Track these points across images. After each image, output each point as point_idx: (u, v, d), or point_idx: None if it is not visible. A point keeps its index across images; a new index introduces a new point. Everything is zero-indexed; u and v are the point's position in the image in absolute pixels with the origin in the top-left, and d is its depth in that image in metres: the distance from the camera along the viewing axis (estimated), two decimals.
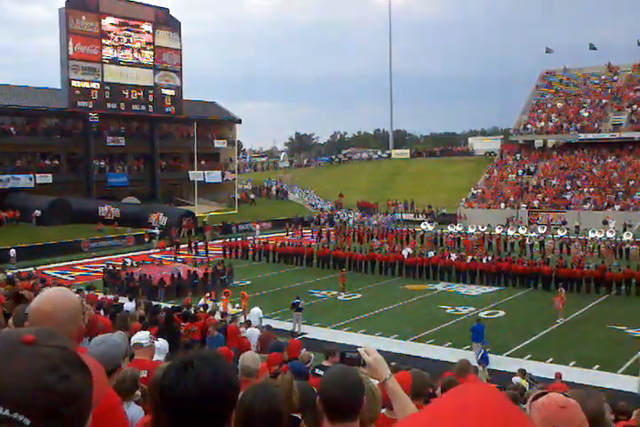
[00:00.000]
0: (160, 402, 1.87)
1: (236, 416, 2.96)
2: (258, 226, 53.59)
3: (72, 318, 2.52)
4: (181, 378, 1.83)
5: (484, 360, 17.51)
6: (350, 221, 58.81)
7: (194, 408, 1.80)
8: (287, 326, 23.89)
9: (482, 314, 25.55)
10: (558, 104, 69.96)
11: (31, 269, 31.28)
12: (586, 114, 66.26)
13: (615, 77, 70.73)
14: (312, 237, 49.57)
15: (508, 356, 20.25)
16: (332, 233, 49.54)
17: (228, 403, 1.87)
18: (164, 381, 1.88)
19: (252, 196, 68.05)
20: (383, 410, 4.25)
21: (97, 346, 3.69)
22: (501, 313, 26.49)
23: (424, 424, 0.76)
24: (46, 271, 34.32)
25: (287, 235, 50.70)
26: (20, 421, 0.86)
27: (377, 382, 3.29)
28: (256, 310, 22.05)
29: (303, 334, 23.17)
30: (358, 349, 2.88)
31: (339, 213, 63.57)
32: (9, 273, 23.81)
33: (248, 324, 18.48)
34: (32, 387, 0.89)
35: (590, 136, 63.23)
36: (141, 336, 6.01)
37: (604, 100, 67.27)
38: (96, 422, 2.32)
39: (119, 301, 20.13)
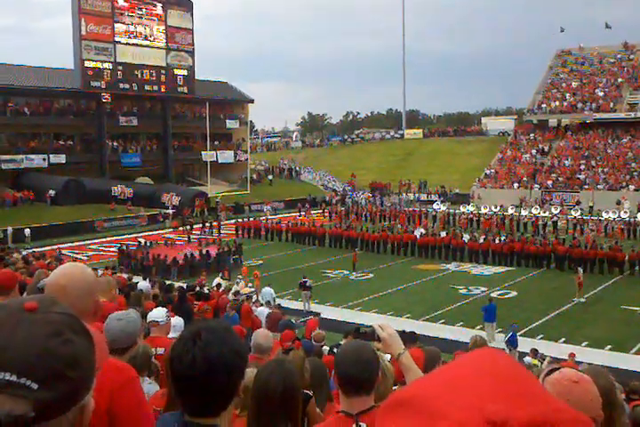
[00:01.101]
0: (170, 374, 1.89)
1: (252, 392, 3.00)
2: (268, 206, 53.65)
3: (88, 292, 2.55)
4: (190, 350, 1.84)
5: (512, 343, 17.36)
6: (363, 202, 58.73)
7: (202, 379, 1.82)
8: (299, 305, 24.02)
9: (494, 294, 25.55)
10: (573, 83, 69.22)
11: (55, 248, 31.57)
12: (601, 93, 65.57)
13: (631, 56, 69.81)
14: (324, 217, 49.54)
15: (520, 336, 20.24)
16: (344, 213, 49.54)
17: (236, 374, 1.88)
18: (172, 352, 1.90)
19: (270, 177, 67.90)
20: (395, 387, 4.29)
21: (116, 321, 3.74)
22: (514, 293, 26.48)
23: (438, 384, 0.76)
24: (63, 251, 34.56)
25: (300, 215, 50.71)
26: (28, 385, 0.88)
27: (389, 358, 3.32)
28: (268, 290, 22.14)
29: (314, 313, 23.26)
30: (373, 324, 2.90)
31: (351, 193, 63.48)
32: (24, 252, 24.08)
33: (260, 303, 18.59)
34: (37, 352, 0.90)
35: (605, 116, 62.58)
36: (158, 314, 6.02)
37: (619, 80, 66.51)
38: (116, 395, 2.38)
39: (133, 280, 20.27)
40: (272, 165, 74.71)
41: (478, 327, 20.63)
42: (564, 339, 19.91)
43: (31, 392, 0.88)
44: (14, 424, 0.87)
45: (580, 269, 26.37)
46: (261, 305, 18.14)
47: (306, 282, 24.27)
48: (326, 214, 50.35)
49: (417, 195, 61.40)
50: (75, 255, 33.89)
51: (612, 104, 63.40)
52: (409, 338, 9.45)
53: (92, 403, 1.01)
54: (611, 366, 15.56)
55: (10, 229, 38.27)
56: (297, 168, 73.48)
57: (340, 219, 47.19)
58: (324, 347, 9.61)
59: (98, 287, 2.70)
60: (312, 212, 52.50)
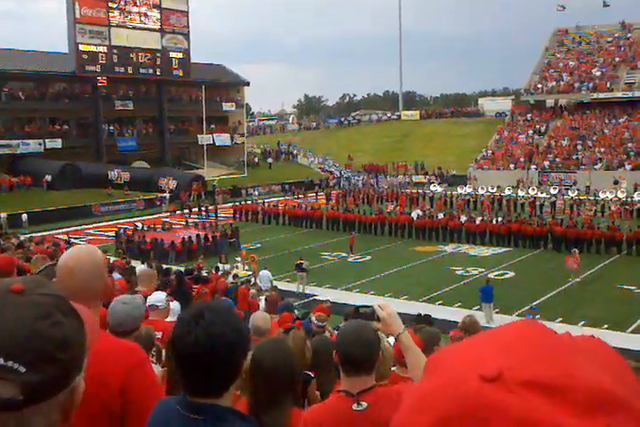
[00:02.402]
0: (172, 355, 1.89)
1: (247, 371, 3.01)
2: (257, 191, 53.37)
3: (97, 275, 2.56)
4: (192, 329, 1.84)
5: None
6: (360, 184, 58.66)
7: (205, 359, 1.82)
8: (296, 287, 24.12)
9: (491, 275, 25.61)
10: (570, 63, 68.93)
11: (63, 231, 31.53)
12: (598, 73, 65.33)
13: (629, 35, 69.45)
14: (317, 200, 49.29)
15: (517, 316, 20.37)
16: (341, 195, 49.50)
17: (239, 353, 1.89)
18: (175, 332, 1.90)
19: (270, 160, 67.67)
20: (394, 368, 4.31)
21: (122, 305, 3.75)
22: (511, 274, 26.57)
23: (462, 347, 0.76)
24: (59, 236, 34.56)
25: (296, 198, 50.59)
26: (16, 369, 0.87)
27: (390, 339, 3.33)
28: (265, 273, 22.20)
29: (309, 295, 23.37)
30: (372, 304, 2.91)
31: (348, 175, 63.39)
32: (21, 238, 24.07)
33: (257, 286, 18.64)
34: (25, 335, 0.90)
35: (602, 95, 62.40)
36: (157, 298, 6.03)
37: (617, 59, 66.24)
38: (129, 375, 2.40)
39: (131, 264, 20.28)
40: (272, 148, 74.46)
41: (476, 308, 20.71)
42: (561, 319, 19.99)
43: (19, 375, 0.88)
44: (3, 408, 0.86)
45: (576, 250, 26.34)
46: (260, 289, 18.18)
47: (302, 264, 24.30)
48: (321, 197, 50.16)
49: (411, 176, 61.33)
50: (72, 240, 33.88)
51: (609, 84, 63.18)
52: (425, 321, 9.49)
53: (82, 385, 1.00)
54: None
55: (3, 214, 38.14)
56: (294, 151, 73.27)
57: (337, 201, 47.16)
58: (328, 328, 9.64)
59: (106, 269, 2.70)
60: (309, 195, 52.39)
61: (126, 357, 2.46)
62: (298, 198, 50.35)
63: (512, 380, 0.67)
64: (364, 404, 2.65)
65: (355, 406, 2.66)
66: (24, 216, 38.63)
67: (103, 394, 2.32)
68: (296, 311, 10.90)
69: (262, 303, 15.11)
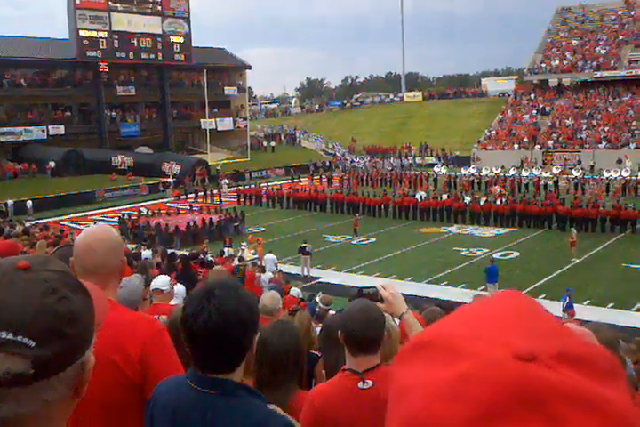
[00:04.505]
0: (184, 333, 1.92)
1: (255, 353, 3.04)
2: (224, 180, 51.97)
3: (114, 252, 2.62)
4: (205, 306, 1.87)
5: (569, 308, 17.21)
6: (361, 166, 58.57)
7: (218, 335, 1.86)
8: (301, 270, 24.19)
9: (496, 255, 25.61)
10: (574, 42, 68.39)
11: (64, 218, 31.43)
12: (602, 51, 64.83)
13: (632, 13, 68.70)
14: (320, 182, 49.10)
15: None
16: (344, 178, 49.43)
17: (250, 329, 1.93)
18: (187, 310, 1.93)
19: (273, 143, 67.60)
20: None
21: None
22: (516, 254, 26.58)
23: (460, 323, 0.75)
24: (65, 222, 34.68)
25: (299, 181, 50.45)
26: (25, 343, 0.89)
27: (395, 319, 3.36)
28: (270, 256, 22.25)
29: (314, 277, 23.44)
30: (375, 284, 2.93)
31: (351, 157, 63.27)
32: (27, 224, 24.18)
33: (263, 269, 18.70)
34: (33, 310, 0.91)
35: (606, 74, 61.95)
36: (161, 282, 6.05)
37: (620, 37, 65.67)
38: (147, 345, 2.46)
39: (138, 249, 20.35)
40: (275, 131, 74.27)
41: (481, 288, 20.76)
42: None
43: (29, 350, 0.90)
44: (14, 382, 0.88)
45: (574, 230, 26.29)
46: (264, 272, 18.24)
47: (305, 247, 24.35)
48: (324, 179, 50.00)
49: (414, 158, 61.21)
50: (77, 227, 33.97)
51: (612, 62, 62.72)
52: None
53: (92, 360, 1.02)
54: (613, 323, 15.73)
55: (10, 201, 38.26)
56: (297, 134, 73.08)
57: (341, 184, 47.08)
58: (331, 311, 9.69)
59: (123, 247, 2.76)
60: (312, 178, 52.25)
61: (144, 327, 2.54)
62: (299, 181, 50.14)
63: (546, 356, 0.66)
64: (370, 382, 2.68)
65: (360, 385, 2.69)
66: (29, 203, 38.72)
67: (123, 363, 2.41)
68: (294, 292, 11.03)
69: (266, 286, 15.20)
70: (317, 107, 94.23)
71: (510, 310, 0.75)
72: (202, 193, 44.33)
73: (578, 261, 24.75)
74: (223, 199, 42.79)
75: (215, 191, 44.61)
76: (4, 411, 0.89)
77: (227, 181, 49.07)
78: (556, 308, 18.04)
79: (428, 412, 0.67)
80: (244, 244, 25.82)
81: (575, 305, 18.06)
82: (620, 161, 48.72)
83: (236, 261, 18.90)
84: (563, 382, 0.64)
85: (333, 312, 9.45)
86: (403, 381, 0.73)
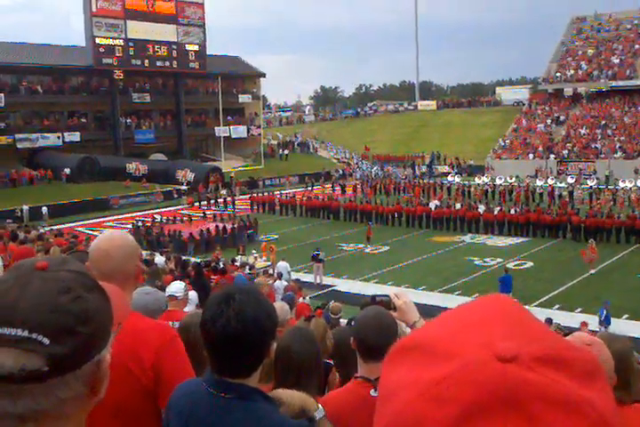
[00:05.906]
0: (202, 336, 1.93)
1: (275, 360, 3.05)
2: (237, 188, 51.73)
3: (130, 257, 2.64)
4: (224, 311, 1.88)
5: (606, 321, 16.99)
6: (374, 174, 58.54)
7: (237, 340, 1.87)
8: (313, 278, 24.17)
9: (510, 265, 25.48)
10: (589, 51, 68.19)
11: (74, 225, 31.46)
12: (617, 60, 64.61)
13: None
14: (334, 191, 48.99)
15: (536, 306, 20.25)
16: (358, 186, 49.41)
17: (268, 334, 1.94)
18: (206, 315, 1.94)
19: (286, 151, 67.78)
20: None
21: (144, 295, 3.78)
22: (530, 264, 26.45)
23: (445, 327, 0.76)
24: (79, 229, 34.86)
25: (311, 189, 50.38)
26: (40, 340, 0.91)
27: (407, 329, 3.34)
28: (283, 264, 22.22)
29: (326, 285, 23.42)
30: (388, 292, 2.92)
31: (366, 165, 63.29)
32: (41, 230, 24.34)
33: (279, 277, 18.68)
34: (47, 309, 0.93)
35: (622, 83, 61.73)
36: (176, 288, 6.06)
37: (636, 46, 65.43)
38: (160, 352, 2.48)
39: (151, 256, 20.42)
40: (286, 139, 74.40)
41: None
42: (580, 308, 19.90)
43: (43, 347, 0.91)
44: (29, 379, 0.90)
45: (593, 241, 26.02)
46: (277, 279, 18.23)
47: (318, 254, 24.31)
48: (337, 188, 49.89)
49: (428, 167, 61.09)
50: (91, 233, 34.13)
51: (628, 71, 62.46)
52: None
53: (108, 358, 1.03)
54: (628, 334, 15.58)
55: (25, 207, 38.56)
56: (311, 142, 73.18)
57: (354, 192, 47.07)
58: (341, 320, 9.66)
59: (138, 252, 2.77)
60: (325, 186, 52.22)
61: (158, 334, 2.56)
62: (312, 190, 50.05)
63: (527, 358, 0.67)
64: None
65: (372, 392, 2.68)
66: (44, 209, 38.99)
67: (137, 370, 2.44)
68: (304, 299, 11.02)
69: (280, 294, 15.21)
70: (331, 115, 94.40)
71: (494, 313, 0.75)
72: (213, 200, 44.46)
73: (593, 272, 24.58)
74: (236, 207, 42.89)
75: (229, 199, 44.72)
76: (20, 407, 0.91)
77: (238, 188, 49.25)
78: (571, 318, 17.93)
79: (412, 412, 0.69)
80: (254, 252, 25.84)
81: (590, 316, 17.89)
82: (636, 171, 48.42)
83: (247, 270, 18.92)
84: (543, 382, 0.65)
85: (344, 321, 9.46)
86: (389, 382, 0.76)
